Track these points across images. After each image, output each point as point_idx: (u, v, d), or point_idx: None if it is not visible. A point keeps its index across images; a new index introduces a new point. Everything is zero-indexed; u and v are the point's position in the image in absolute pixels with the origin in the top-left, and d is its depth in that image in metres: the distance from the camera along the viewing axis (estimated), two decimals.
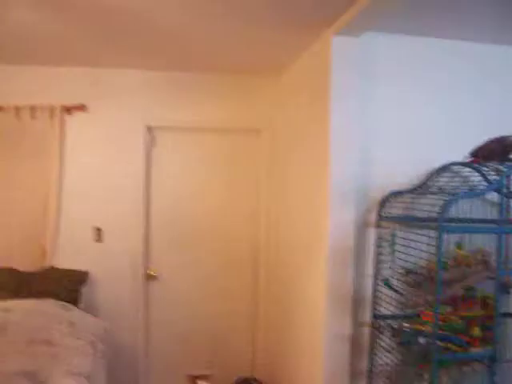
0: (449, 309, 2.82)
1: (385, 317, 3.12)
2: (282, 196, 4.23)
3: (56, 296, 3.80)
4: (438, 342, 2.62)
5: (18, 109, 4.06)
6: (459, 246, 2.93)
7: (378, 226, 3.16)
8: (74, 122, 4.17)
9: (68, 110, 4.15)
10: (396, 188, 3.15)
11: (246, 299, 4.56)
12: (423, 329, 2.75)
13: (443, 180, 3.11)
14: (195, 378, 4.42)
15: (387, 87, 3.19)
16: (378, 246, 3.13)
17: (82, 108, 4.17)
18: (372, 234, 3.20)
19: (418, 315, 2.82)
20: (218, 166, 4.48)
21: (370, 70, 3.17)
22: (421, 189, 3.13)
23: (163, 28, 3.20)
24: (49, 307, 3.63)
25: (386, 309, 3.11)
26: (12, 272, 3.96)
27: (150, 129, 4.34)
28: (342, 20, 2.89)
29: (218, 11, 2.91)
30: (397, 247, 3.01)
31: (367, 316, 3.23)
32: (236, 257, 4.53)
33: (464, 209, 2.98)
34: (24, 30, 3.23)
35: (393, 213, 3.10)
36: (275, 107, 4.39)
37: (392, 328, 3.04)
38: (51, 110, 4.10)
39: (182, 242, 4.46)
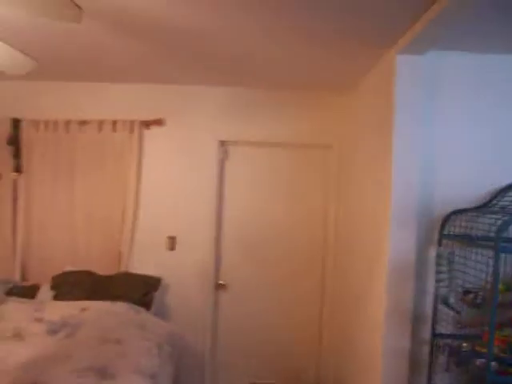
0: None
1: (444, 335, 3.11)
2: (346, 212, 4.28)
3: (129, 299, 4.01)
4: (495, 364, 2.59)
5: (100, 122, 4.37)
6: None
7: (439, 244, 3.15)
8: (152, 135, 4.43)
9: (147, 124, 4.40)
10: (460, 206, 3.13)
11: (311, 311, 4.61)
12: (483, 350, 2.72)
13: (508, 199, 3.07)
14: None
15: (452, 105, 3.18)
16: (438, 264, 3.11)
17: (159, 122, 4.41)
18: (433, 252, 3.20)
19: (481, 336, 2.80)
20: (288, 180, 4.57)
21: (434, 88, 3.17)
22: (484, 208, 3.10)
23: (238, 49, 3.36)
24: (121, 309, 3.85)
25: (445, 328, 3.10)
26: (90, 275, 4.23)
27: (222, 143, 4.51)
28: (405, 38, 2.93)
29: (292, 36, 3.04)
30: (456, 266, 2.99)
31: (426, 334, 3.22)
32: (303, 269, 4.59)
33: None
34: (108, 52, 3.49)
35: (454, 231, 3.09)
36: (344, 124, 4.45)
37: (450, 347, 3.02)
38: (131, 124, 4.37)
39: (252, 253, 4.58)
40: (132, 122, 4.37)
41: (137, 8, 2.63)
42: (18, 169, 4.42)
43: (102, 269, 4.30)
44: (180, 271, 4.44)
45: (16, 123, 4.44)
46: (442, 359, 3.09)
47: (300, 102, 4.45)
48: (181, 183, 4.45)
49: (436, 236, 3.19)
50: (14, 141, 4.44)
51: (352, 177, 4.16)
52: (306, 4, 2.57)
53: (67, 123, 4.41)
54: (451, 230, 3.11)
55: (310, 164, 4.59)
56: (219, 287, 4.57)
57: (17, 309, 3.76)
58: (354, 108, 4.24)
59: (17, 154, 4.45)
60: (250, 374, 4.59)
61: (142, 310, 3.96)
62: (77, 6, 1.83)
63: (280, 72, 3.88)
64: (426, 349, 3.23)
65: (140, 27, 2.96)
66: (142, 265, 4.37)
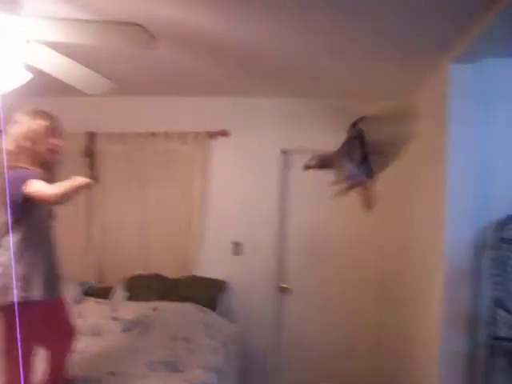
0: None
1: (501, 338, 3.14)
2: (404, 217, 4.33)
3: (196, 301, 4.22)
4: None
5: (168, 134, 4.64)
6: None
7: (495, 247, 3.20)
8: (217, 145, 4.66)
9: (212, 135, 4.64)
10: None
11: (371, 316, 4.65)
12: None
13: None
14: None
15: (506, 113, 3.20)
16: (494, 267, 3.16)
17: (224, 133, 4.64)
18: (490, 256, 3.24)
19: None
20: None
21: (488, 96, 3.18)
22: None
23: (299, 62, 3.56)
24: (189, 310, 4.09)
25: (503, 331, 3.13)
26: (160, 278, 4.49)
27: (285, 152, 4.68)
28: (458, 48, 2.99)
29: (350, 48, 3.21)
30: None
31: (484, 337, 3.25)
32: (364, 275, 4.66)
33: None
34: (176, 68, 3.75)
35: (510, 235, 3.13)
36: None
37: (508, 350, 3.06)
38: (197, 136, 4.62)
39: (316, 259, 4.69)
40: (198, 134, 4.62)
41: (203, 29, 2.85)
42: (92, 179, 4.73)
43: (171, 272, 4.54)
44: (245, 275, 4.63)
45: (91, 137, 4.76)
46: (499, 362, 3.12)
47: (359, 111, 4.54)
48: (245, 191, 4.64)
49: (492, 239, 3.23)
50: (89, 153, 4.75)
51: (406, 183, 4.22)
52: (362, 18, 2.72)
53: (138, 136, 4.70)
54: (508, 234, 3.14)
55: None
56: (283, 291, 4.72)
57: (94, 308, 4.06)
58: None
59: (91, 166, 4.76)
60: (311, 375, 4.68)
61: (208, 310, 4.17)
62: (150, 34, 2.04)
63: (338, 82, 4.03)
64: (483, 352, 3.26)
65: (207, 46, 3.18)
66: (208, 269, 4.57)
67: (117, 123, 4.76)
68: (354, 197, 4.54)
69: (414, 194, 4.05)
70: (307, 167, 2.99)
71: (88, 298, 4.29)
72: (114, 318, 3.89)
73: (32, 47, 2.35)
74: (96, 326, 3.76)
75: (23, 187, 2.42)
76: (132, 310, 4.00)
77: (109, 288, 4.49)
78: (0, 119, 2.51)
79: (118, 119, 4.75)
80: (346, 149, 2.92)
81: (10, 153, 2.54)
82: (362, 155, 2.83)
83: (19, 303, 2.42)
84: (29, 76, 2.43)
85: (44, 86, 3.07)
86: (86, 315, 3.91)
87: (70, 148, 4.53)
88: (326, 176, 4.59)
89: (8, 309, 2.42)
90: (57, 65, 2.63)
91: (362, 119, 3.10)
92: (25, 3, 2.28)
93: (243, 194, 4.65)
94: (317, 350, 4.69)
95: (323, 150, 4.56)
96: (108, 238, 4.76)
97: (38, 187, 2.42)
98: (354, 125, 2.98)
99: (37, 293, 2.52)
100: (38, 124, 2.60)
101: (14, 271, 2.46)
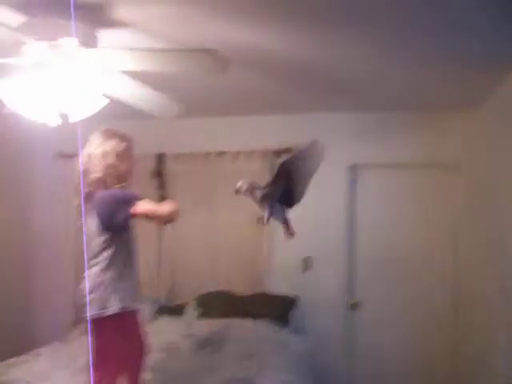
0: None
1: None
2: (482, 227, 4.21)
3: (268, 318, 4.24)
4: None
5: (235, 154, 4.73)
6: None
7: None
8: None
9: (278, 153, 4.67)
10: None
11: (449, 331, 4.55)
12: None
13: None
14: None
15: None
16: None
17: (289, 151, 4.65)
18: None
19: None
20: (419, 201, 4.62)
21: None
22: None
23: (364, 76, 3.57)
24: (261, 327, 4.11)
25: None
26: (230, 295, 4.54)
27: (352, 166, 4.67)
28: None
29: (416, 60, 3.19)
30: None
31: None
32: (439, 286, 4.57)
33: None
34: (244, 89, 3.82)
35: None
36: (470, 143, 4.40)
37: None
38: (263, 154, 4.67)
39: (386, 272, 4.64)
40: (265, 152, 4.67)
41: (270, 49, 2.90)
42: (162, 199, 4.86)
43: (242, 289, 4.60)
44: (315, 291, 4.61)
45: (160, 158, 4.90)
46: None
47: (427, 123, 4.50)
48: (313, 206, 4.61)
49: None
50: (159, 174, 4.89)
51: (486, 193, 4.10)
52: (430, 30, 2.70)
53: (206, 155, 4.80)
54: None
55: (439, 185, 4.60)
56: (354, 305, 4.68)
57: (167, 325, 4.14)
58: (483, 127, 4.20)
59: (161, 186, 4.89)
60: None
61: (280, 327, 4.18)
62: (225, 58, 2.10)
63: (404, 94, 4.00)
64: None
65: (273, 65, 3.24)
66: (278, 285, 4.59)
67: (185, 144, 4.87)
68: (425, 209, 4.53)
69: (497, 204, 3.91)
70: (236, 191, 3.02)
71: (161, 315, 4.37)
72: (188, 336, 3.95)
73: (108, 76, 2.45)
74: (170, 344, 3.84)
75: (129, 208, 2.50)
76: (205, 327, 4.06)
77: (181, 306, 4.57)
78: (79, 143, 2.64)
79: (186, 140, 4.87)
80: (273, 188, 2.96)
81: (95, 173, 2.63)
82: (284, 194, 2.90)
83: (116, 314, 2.54)
84: (105, 101, 2.54)
85: (114, 110, 3.18)
86: (160, 333, 3.98)
87: (140, 169, 4.76)
88: (394, 190, 4.60)
89: (108, 320, 2.54)
90: (130, 91, 2.74)
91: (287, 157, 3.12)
92: (102, 36, 2.40)
93: (311, 209, 4.63)
94: (391, 365, 4.62)
95: (390, 164, 4.57)
96: (178, 257, 4.86)
97: (149, 207, 2.53)
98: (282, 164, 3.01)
99: (130, 304, 2.63)
100: (121, 145, 2.70)
101: (110, 284, 2.57)
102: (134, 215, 2.54)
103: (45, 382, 3.24)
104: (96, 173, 2.63)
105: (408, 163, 4.58)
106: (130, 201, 2.53)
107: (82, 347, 3.73)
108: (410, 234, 4.63)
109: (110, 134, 2.72)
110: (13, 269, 5.01)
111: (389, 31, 2.72)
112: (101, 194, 2.60)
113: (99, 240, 2.59)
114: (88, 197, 2.62)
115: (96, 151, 2.67)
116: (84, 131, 2.58)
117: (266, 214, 2.73)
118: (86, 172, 2.64)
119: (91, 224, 2.61)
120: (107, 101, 2.53)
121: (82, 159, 2.68)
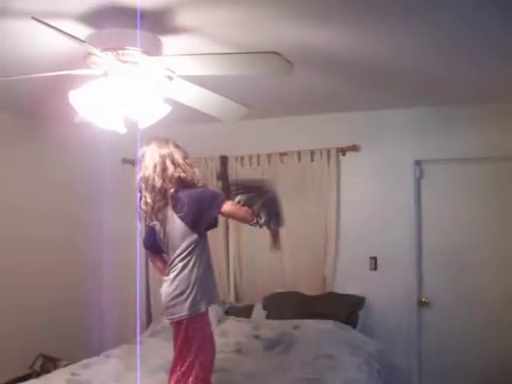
0: None
1: None
2: None
3: (336, 318, 4.22)
4: None
5: (299, 153, 4.72)
6: None
7: None
8: (348, 160, 4.65)
9: (342, 151, 4.64)
10: None
11: None
12: None
13: None
14: None
15: None
16: None
17: (354, 148, 4.61)
18: None
19: None
20: (491, 195, 4.43)
21: None
22: None
23: (427, 73, 3.49)
24: (330, 327, 4.09)
25: None
26: (298, 295, 4.54)
27: (417, 162, 4.56)
28: None
29: (482, 52, 3.08)
30: None
31: None
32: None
33: None
34: (307, 89, 3.81)
35: None
36: None
37: None
38: (328, 152, 4.64)
39: (456, 270, 4.47)
40: (328, 150, 4.64)
41: (331, 47, 2.86)
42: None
43: (309, 290, 4.58)
44: (383, 290, 4.54)
45: (224, 160, 4.94)
46: None
47: (492, 116, 4.33)
48: (379, 204, 4.58)
49: None
50: (223, 176, 4.93)
51: None
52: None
53: (269, 156, 4.82)
54: None
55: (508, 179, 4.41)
56: (423, 305, 4.57)
57: (236, 327, 4.18)
58: None
59: (225, 188, 4.93)
60: None
61: (348, 327, 4.15)
62: (288, 61, 2.09)
63: (467, 89, 3.89)
64: None
65: (336, 63, 3.19)
66: (345, 285, 4.56)
67: (248, 146, 4.91)
68: (497, 203, 4.34)
69: None
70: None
71: (229, 317, 4.41)
72: (256, 337, 3.98)
73: (173, 82, 2.49)
74: (239, 345, 3.88)
75: (219, 205, 2.58)
76: (273, 328, 4.07)
77: (248, 307, 4.61)
78: (137, 152, 2.70)
79: (248, 142, 4.91)
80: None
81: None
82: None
83: (199, 314, 2.64)
84: (168, 109, 2.58)
85: (177, 115, 3.23)
86: (229, 334, 4.03)
87: (205, 172, 4.83)
88: (462, 185, 4.45)
89: (190, 320, 2.62)
90: (194, 96, 2.77)
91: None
92: (167, 43, 2.44)
93: (377, 207, 4.59)
94: (463, 367, 4.45)
95: (457, 159, 4.42)
96: (246, 258, 4.91)
97: (235, 207, 2.60)
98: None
99: (213, 303, 2.77)
100: (176, 150, 2.74)
101: (198, 284, 2.63)
102: (222, 214, 2.58)
103: (117, 383, 3.34)
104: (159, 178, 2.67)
105: (478, 158, 4.41)
106: (218, 199, 2.59)
107: (153, 349, 3.84)
108: (482, 229, 4.45)
109: (162, 142, 2.76)
110: (84, 270, 5.20)
111: (454, 25, 2.63)
112: (188, 193, 2.64)
113: (189, 241, 2.63)
114: (172, 198, 2.65)
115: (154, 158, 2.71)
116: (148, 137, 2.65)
117: (263, 219, 2.68)
118: (147, 178, 2.68)
119: (177, 225, 2.65)
120: (170, 108, 2.56)
121: (140, 166, 2.73)
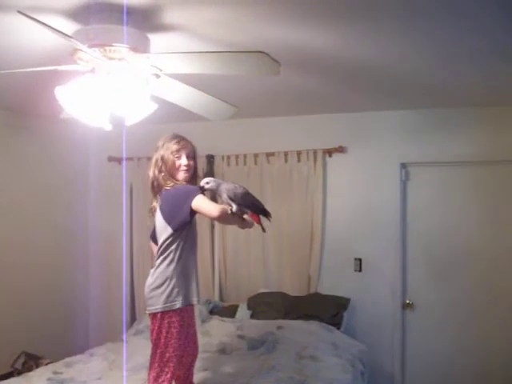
0: None
1: None
2: None
3: (320, 319, 4.22)
4: None
5: (286, 154, 4.71)
6: None
7: None
8: (334, 162, 4.66)
9: (329, 152, 4.64)
10: None
11: (507, 338, 4.36)
12: None
13: None
14: None
15: None
16: None
17: (341, 150, 4.62)
18: None
19: None
20: (475, 198, 4.45)
21: None
22: None
23: (417, 76, 3.50)
24: (314, 328, 4.08)
25: None
26: (283, 296, 4.53)
27: (404, 165, 4.56)
28: None
29: (476, 55, 3.09)
30: None
31: None
32: (501, 287, 4.36)
33: None
34: (293, 89, 3.80)
35: None
36: None
37: None
38: (314, 153, 4.64)
39: (442, 273, 4.49)
40: (315, 151, 4.64)
41: (319, 49, 2.86)
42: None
43: (293, 290, 4.59)
44: (367, 291, 4.56)
45: (210, 159, 4.93)
46: None
47: (478, 119, 4.36)
48: (364, 206, 4.58)
49: None
50: (209, 175, 4.91)
51: None
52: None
53: (255, 156, 4.81)
54: None
55: (496, 181, 4.41)
56: (407, 306, 4.58)
57: (220, 326, 4.16)
58: None
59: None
60: None
61: (333, 328, 4.15)
62: (276, 61, 2.09)
63: (451, 90, 3.90)
64: None
65: (322, 64, 3.20)
66: (330, 286, 4.56)
67: (234, 145, 4.91)
68: (482, 206, 4.36)
69: None
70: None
71: (213, 316, 4.40)
72: (240, 336, 3.96)
73: (160, 80, 2.48)
74: (223, 345, 3.86)
75: (190, 201, 2.55)
76: (257, 328, 4.06)
77: (233, 306, 4.60)
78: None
79: (235, 141, 4.91)
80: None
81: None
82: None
83: (178, 310, 2.64)
84: (155, 107, 2.58)
85: (164, 114, 3.23)
86: (213, 333, 4.02)
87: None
88: (448, 188, 4.47)
89: (170, 315, 2.63)
90: (182, 94, 2.77)
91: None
92: (154, 40, 2.43)
93: (363, 209, 4.60)
94: (446, 369, 4.47)
95: (441, 162, 4.44)
96: (230, 258, 4.90)
97: (201, 202, 2.55)
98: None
99: (193, 300, 2.73)
100: (167, 147, 2.76)
101: (175, 279, 2.65)
102: (192, 209, 2.57)
103: (100, 381, 3.32)
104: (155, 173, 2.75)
105: (461, 161, 4.44)
106: (192, 194, 2.58)
107: (136, 347, 3.82)
108: (467, 231, 4.46)
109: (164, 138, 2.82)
110: (69, 268, 5.17)
111: (443, 28, 2.64)
112: (165, 191, 2.70)
113: (165, 236, 2.66)
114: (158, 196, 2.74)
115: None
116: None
117: (234, 207, 2.62)
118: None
119: (158, 218, 2.71)
120: (156, 106, 2.56)
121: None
